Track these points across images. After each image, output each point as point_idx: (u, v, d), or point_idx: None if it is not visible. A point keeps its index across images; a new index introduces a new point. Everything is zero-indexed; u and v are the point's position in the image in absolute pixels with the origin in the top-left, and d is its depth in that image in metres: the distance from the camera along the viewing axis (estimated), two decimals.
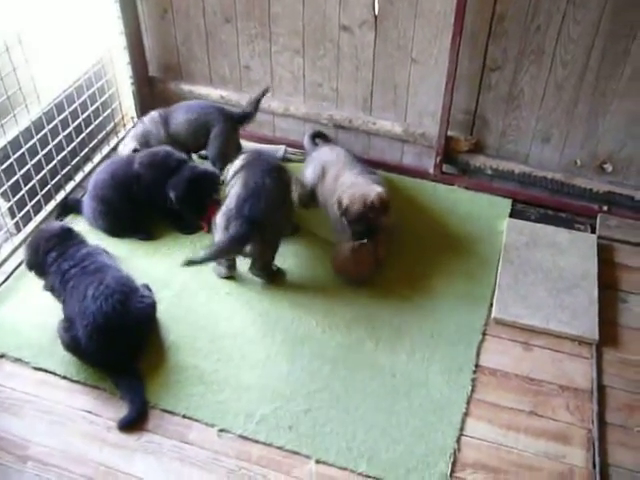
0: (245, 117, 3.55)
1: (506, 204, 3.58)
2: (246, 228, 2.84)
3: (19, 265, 3.17)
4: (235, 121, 3.55)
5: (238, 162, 3.16)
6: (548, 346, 2.90)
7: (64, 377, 2.73)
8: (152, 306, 2.86)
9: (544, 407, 2.67)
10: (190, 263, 2.86)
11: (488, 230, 3.43)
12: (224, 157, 3.43)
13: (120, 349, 2.69)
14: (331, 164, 3.36)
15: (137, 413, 2.57)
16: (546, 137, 3.45)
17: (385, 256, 3.19)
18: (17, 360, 2.79)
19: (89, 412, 2.62)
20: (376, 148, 3.78)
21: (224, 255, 3.00)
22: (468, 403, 2.68)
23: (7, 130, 3.12)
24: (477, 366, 2.81)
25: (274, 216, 2.99)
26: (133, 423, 2.56)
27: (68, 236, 2.91)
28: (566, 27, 3.07)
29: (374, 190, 3.09)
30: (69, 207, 3.46)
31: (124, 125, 3.98)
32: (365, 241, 3.06)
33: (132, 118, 4.03)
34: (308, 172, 3.46)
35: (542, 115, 3.38)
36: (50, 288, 2.85)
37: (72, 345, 2.71)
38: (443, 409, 2.65)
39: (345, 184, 3.22)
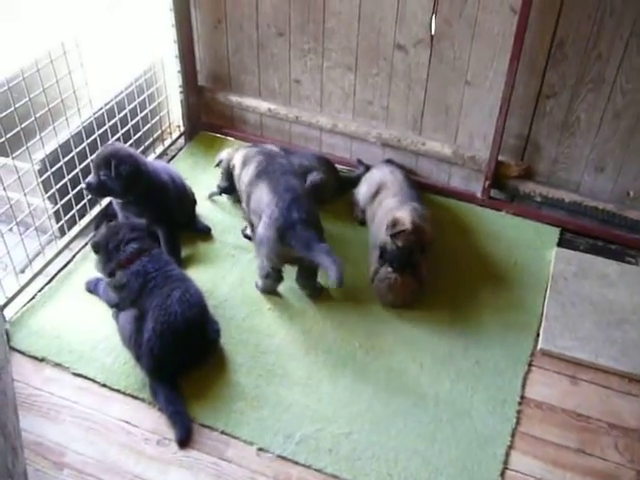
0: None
1: (554, 233, 3.50)
2: (310, 230, 2.79)
3: (63, 267, 3.17)
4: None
5: (251, 170, 3.10)
6: (596, 381, 2.82)
7: (103, 385, 2.70)
8: (219, 334, 2.86)
9: (592, 445, 2.59)
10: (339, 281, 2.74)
11: (535, 258, 3.35)
12: None
13: (181, 357, 2.67)
14: (385, 187, 3.32)
15: (186, 431, 2.53)
16: (600, 166, 3.37)
17: (428, 280, 3.12)
18: (57, 365, 2.77)
19: (127, 422, 2.59)
20: (423, 169, 3.73)
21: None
22: (513, 436, 2.60)
23: (57, 133, 3.12)
24: (522, 398, 2.73)
25: (316, 214, 2.97)
26: (186, 440, 2.53)
27: (150, 236, 2.90)
28: (628, 57, 3.01)
29: (395, 214, 3.04)
30: (110, 214, 3.44)
31: (170, 133, 3.98)
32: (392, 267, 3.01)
33: (178, 127, 4.03)
34: (362, 190, 3.44)
35: (597, 144, 3.31)
36: (120, 285, 2.76)
37: (133, 337, 2.66)
38: (487, 441, 2.57)
39: (387, 207, 3.19)
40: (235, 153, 3.39)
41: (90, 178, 3.05)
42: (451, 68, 3.35)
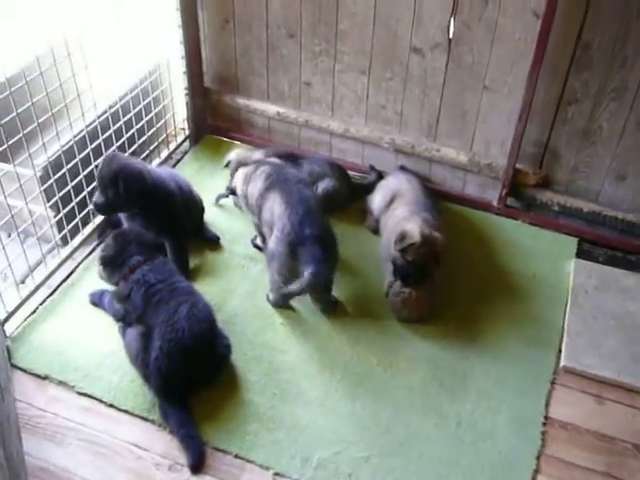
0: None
1: (572, 243, 3.40)
2: (319, 248, 2.72)
3: (66, 278, 3.05)
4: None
5: (260, 184, 2.99)
6: (621, 400, 2.72)
7: (111, 405, 2.58)
8: (230, 349, 2.74)
9: (619, 468, 2.49)
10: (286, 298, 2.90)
11: (554, 270, 3.25)
12: None
13: (191, 376, 2.56)
14: (400, 195, 3.21)
15: (199, 456, 2.41)
16: (620, 176, 3.27)
17: (439, 290, 3.02)
18: (61, 383, 2.64)
19: (136, 446, 2.46)
20: (437, 176, 3.61)
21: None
22: (538, 459, 2.50)
23: (60, 137, 2.99)
24: (547, 418, 2.64)
25: (328, 226, 2.89)
26: (199, 465, 2.41)
27: (157, 249, 2.81)
28: None
29: (403, 227, 2.92)
30: (113, 222, 3.30)
31: (175, 136, 3.85)
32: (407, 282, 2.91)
33: (183, 130, 3.90)
34: (377, 199, 3.32)
35: (619, 153, 3.20)
36: (124, 296, 2.65)
37: (140, 356, 2.55)
38: (512, 464, 2.47)
39: (397, 217, 3.08)
40: (235, 174, 3.28)
41: (97, 198, 2.91)
42: (469, 73, 3.23)
